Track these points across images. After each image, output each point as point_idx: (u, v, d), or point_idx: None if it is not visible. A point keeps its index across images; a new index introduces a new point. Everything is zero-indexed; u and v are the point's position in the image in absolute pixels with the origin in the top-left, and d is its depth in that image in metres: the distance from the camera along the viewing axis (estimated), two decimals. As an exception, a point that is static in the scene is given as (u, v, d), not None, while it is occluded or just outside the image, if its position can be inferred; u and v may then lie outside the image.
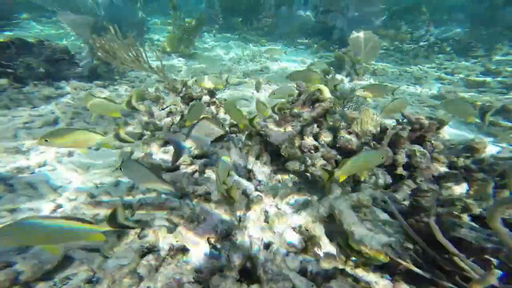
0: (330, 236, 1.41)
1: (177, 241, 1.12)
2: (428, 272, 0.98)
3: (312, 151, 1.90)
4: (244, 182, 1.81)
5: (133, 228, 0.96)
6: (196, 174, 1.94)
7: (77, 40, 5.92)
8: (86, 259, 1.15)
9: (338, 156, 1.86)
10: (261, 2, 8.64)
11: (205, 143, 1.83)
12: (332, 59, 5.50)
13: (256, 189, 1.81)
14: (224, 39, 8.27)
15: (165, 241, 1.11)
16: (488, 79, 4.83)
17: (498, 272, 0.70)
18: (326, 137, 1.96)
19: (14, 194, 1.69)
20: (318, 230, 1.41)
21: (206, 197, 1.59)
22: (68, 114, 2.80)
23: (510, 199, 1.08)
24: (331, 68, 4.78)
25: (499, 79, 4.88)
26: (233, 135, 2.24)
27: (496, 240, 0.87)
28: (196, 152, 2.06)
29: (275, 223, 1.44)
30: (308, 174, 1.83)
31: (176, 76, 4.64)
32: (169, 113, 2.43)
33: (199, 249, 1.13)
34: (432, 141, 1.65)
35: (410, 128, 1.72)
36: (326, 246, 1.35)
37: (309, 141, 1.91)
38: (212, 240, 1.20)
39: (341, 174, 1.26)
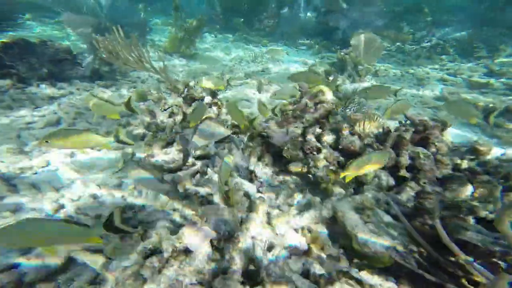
0: (333, 238, 1.41)
1: (180, 243, 1.11)
2: (433, 275, 0.97)
3: (315, 153, 1.89)
4: (246, 184, 1.80)
5: (130, 232, 0.97)
6: (198, 175, 1.94)
7: (78, 41, 5.95)
8: (89, 261, 1.15)
9: (341, 158, 1.86)
10: (262, 3, 8.65)
11: (209, 144, 1.83)
12: (333, 59, 5.49)
13: (258, 191, 1.80)
14: (225, 39, 8.28)
15: (168, 242, 1.11)
16: (492, 80, 4.81)
17: (510, 277, 0.69)
18: (329, 139, 1.95)
19: (17, 194, 1.69)
20: (321, 232, 1.40)
21: (209, 198, 1.59)
22: (70, 115, 2.81)
23: None
24: (333, 69, 4.77)
25: (502, 80, 4.85)
26: (235, 136, 2.24)
27: (504, 243, 0.86)
28: (198, 153, 2.06)
29: (277, 224, 1.44)
30: (310, 176, 1.83)
31: (177, 76, 4.65)
32: (171, 114, 2.43)
33: (202, 251, 1.13)
34: (436, 143, 1.64)
35: (413, 129, 1.72)
36: (329, 248, 1.35)
37: (312, 142, 1.91)
38: (215, 242, 1.19)
39: (347, 175, 1.26)
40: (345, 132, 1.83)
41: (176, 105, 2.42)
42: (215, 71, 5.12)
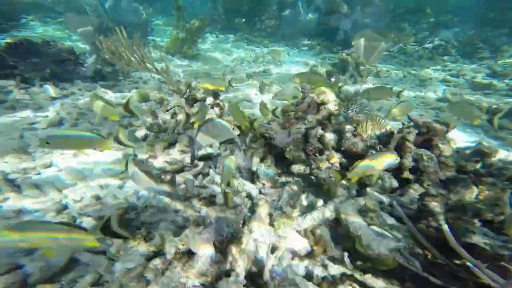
0: (336, 240, 1.40)
1: (183, 245, 1.11)
2: (438, 278, 0.96)
3: (317, 154, 1.89)
4: (248, 185, 1.80)
5: (127, 237, 0.98)
6: (200, 176, 1.94)
7: (79, 41, 5.97)
8: (92, 262, 1.15)
9: (343, 159, 1.85)
10: (263, 4, 8.65)
11: (213, 144, 1.83)
12: (335, 60, 5.48)
13: (260, 192, 1.80)
14: (226, 40, 8.28)
15: (171, 244, 1.11)
16: (495, 81, 4.79)
17: None
18: (331, 140, 1.94)
19: (20, 195, 1.70)
20: (324, 234, 1.40)
21: (211, 200, 1.59)
22: (73, 115, 2.82)
23: None
24: (334, 69, 4.76)
25: (506, 81, 4.82)
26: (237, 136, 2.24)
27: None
28: (198, 154, 2.06)
29: (280, 226, 1.43)
30: (312, 177, 1.82)
31: (179, 77, 4.65)
32: (173, 115, 2.44)
33: (205, 253, 1.13)
34: (440, 145, 1.63)
35: (417, 131, 1.71)
36: (332, 250, 1.34)
37: (314, 143, 1.90)
38: (218, 244, 1.19)
39: (353, 176, 1.26)
40: (348, 134, 1.83)
41: (178, 106, 2.42)
42: (217, 72, 5.12)
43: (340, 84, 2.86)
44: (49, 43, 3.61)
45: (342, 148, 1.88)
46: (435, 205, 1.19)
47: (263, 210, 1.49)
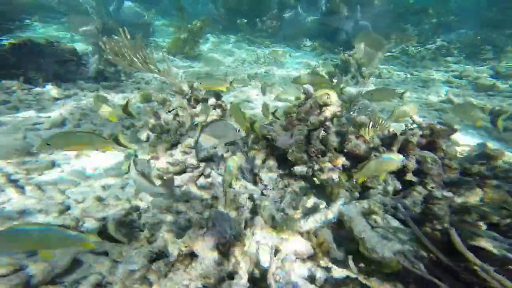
0: (339, 242, 1.39)
1: (186, 247, 1.11)
2: (444, 281, 0.95)
3: (319, 156, 1.88)
4: (250, 186, 1.80)
5: (123, 242, 0.99)
6: (202, 178, 1.94)
7: (80, 41, 6.00)
8: (95, 263, 1.15)
9: (346, 161, 1.84)
10: (264, 4, 8.66)
11: (217, 145, 1.82)
12: (336, 61, 5.47)
13: (263, 194, 1.79)
14: (227, 40, 8.30)
15: (174, 246, 1.10)
16: (498, 82, 4.76)
17: None
18: (333, 142, 1.94)
19: (23, 196, 1.71)
20: (327, 236, 1.39)
21: (213, 201, 1.59)
22: (75, 116, 2.83)
23: None
24: (336, 70, 4.75)
25: (510, 82, 4.79)
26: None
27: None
28: (202, 155, 2.06)
29: (283, 228, 1.43)
30: (315, 179, 1.81)
31: (181, 78, 4.66)
32: (176, 116, 2.44)
33: (207, 255, 1.12)
34: (443, 147, 1.62)
35: (420, 133, 1.70)
36: (335, 253, 1.33)
37: (316, 145, 1.89)
38: (221, 246, 1.19)
39: (361, 176, 1.26)
40: (351, 135, 1.82)
41: (181, 107, 2.42)
42: (219, 72, 5.13)
43: (342, 85, 2.86)
44: (53, 44, 3.63)
45: (345, 150, 1.87)
46: (439, 208, 1.18)
47: (265, 212, 1.48)
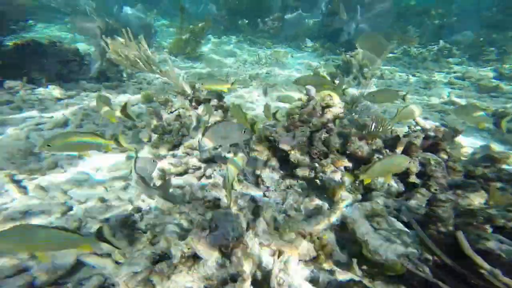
0: (342, 245, 1.38)
1: (188, 249, 1.11)
2: (449, 285, 0.95)
3: (322, 157, 1.87)
4: (253, 188, 1.79)
5: (117, 247, 0.99)
6: (204, 178, 1.94)
7: (82, 41, 6.03)
8: (98, 265, 1.15)
9: (349, 163, 1.83)
10: (266, 5, 8.67)
11: (223, 145, 1.81)
12: (338, 62, 5.47)
13: (265, 195, 1.79)
14: (229, 41, 8.31)
15: (176, 248, 1.10)
16: (501, 83, 4.73)
17: None
18: (336, 143, 1.93)
19: (26, 196, 1.71)
20: (330, 239, 1.38)
21: (215, 203, 1.58)
22: (78, 116, 2.84)
23: None
24: (338, 71, 4.75)
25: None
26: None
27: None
28: (204, 156, 2.06)
29: (285, 230, 1.42)
30: (317, 181, 1.81)
31: (183, 78, 4.67)
32: (178, 116, 2.44)
33: (210, 257, 1.12)
34: (447, 150, 1.61)
35: (423, 135, 1.69)
36: (338, 255, 1.33)
37: (319, 147, 1.89)
38: (223, 248, 1.18)
39: (367, 177, 1.25)
40: (353, 137, 1.81)
41: (183, 108, 2.42)
42: (220, 73, 5.13)
43: (344, 87, 2.85)
44: (55, 44, 3.65)
45: (347, 152, 1.86)
46: (443, 210, 1.17)
47: (267, 213, 1.48)
